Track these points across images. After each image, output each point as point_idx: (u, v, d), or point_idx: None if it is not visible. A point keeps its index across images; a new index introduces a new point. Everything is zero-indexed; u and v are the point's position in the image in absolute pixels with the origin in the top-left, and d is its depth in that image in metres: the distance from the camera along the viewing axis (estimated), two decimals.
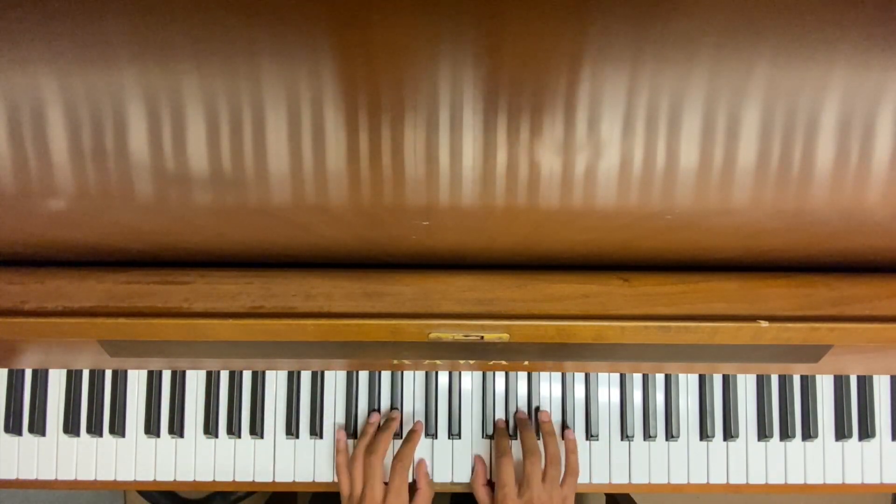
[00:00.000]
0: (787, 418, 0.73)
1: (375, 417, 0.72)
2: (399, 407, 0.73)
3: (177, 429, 0.72)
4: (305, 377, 0.74)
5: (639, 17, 0.24)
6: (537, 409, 0.73)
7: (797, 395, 0.73)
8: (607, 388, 0.74)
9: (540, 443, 0.68)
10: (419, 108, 0.30)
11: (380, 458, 0.66)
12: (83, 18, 0.24)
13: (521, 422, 0.71)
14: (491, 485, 0.70)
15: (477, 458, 0.72)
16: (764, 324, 0.50)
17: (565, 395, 0.73)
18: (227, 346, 0.62)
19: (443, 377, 0.74)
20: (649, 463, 0.73)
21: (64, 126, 0.32)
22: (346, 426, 0.73)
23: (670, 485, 0.73)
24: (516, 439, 0.71)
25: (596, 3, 0.23)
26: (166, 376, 0.73)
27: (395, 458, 0.67)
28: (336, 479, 0.71)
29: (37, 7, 0.24)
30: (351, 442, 0.72)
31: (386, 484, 0.65)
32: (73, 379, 0.73)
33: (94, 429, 0.73)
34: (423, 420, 0.73)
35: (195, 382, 0.74)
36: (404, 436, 0.70)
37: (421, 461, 0.72)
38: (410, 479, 0.70)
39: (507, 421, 0.73)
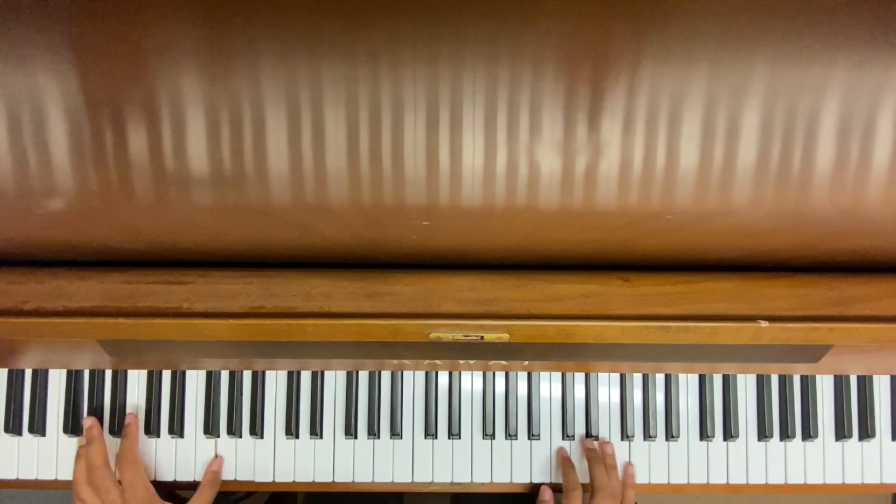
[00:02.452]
0: (787, 418, 0.73)
1: (83, 441, 0.69)
2: (399, 407, 0.73)
3: (177, 429, 0.72)
4: (305, 377, 0.73)
5: (639, 16, 0.24)
6: (596, 437, 0.73)
7: (797, 395, 0.73)
8: (607, 388, 0.74)
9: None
10: (419, 108, 0.30)
11: (101, 467, 0.65)
12: (83, 18, 0.24)
13: (591, 455, 0.70)
14: (517, 499, 0.69)
15: (545, 489, 0.71)
16: (764, 324, 0.50)
17: (565, 395, 0.73)
18: (227, 346, 0.62)
19: (443, 377, 0.74)
20: (649, 463, 0.73)
21: (64, 126, 0.32)
22: (347, 426, 0.73)
23: (670, 485, 0.73)
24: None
25: (596, 4, 0.23)
26: (166, 376, 0.73)
27: (117, 458, 0.67)
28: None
29: (37, 7, 0.24)
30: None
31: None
32: (73, 379, 0.73)
33: None
34: (258, 424, 0.72)
35: (195, 382, 0.73)
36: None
37: (218, 458, 0.71)
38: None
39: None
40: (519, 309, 0.51)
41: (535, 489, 0.72)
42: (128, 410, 0.73)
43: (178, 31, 0.25)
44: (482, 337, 0.52)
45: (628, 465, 0.71)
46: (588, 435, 0.73)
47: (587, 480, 0.68)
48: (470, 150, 0.33)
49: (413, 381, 0.74)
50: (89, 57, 0.26)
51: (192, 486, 0.72)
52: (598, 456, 0.70)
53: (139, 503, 0.64)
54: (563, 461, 0.71)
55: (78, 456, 0.67)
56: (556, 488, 0.71)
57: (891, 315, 0.51)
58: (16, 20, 0.24)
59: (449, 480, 0.73)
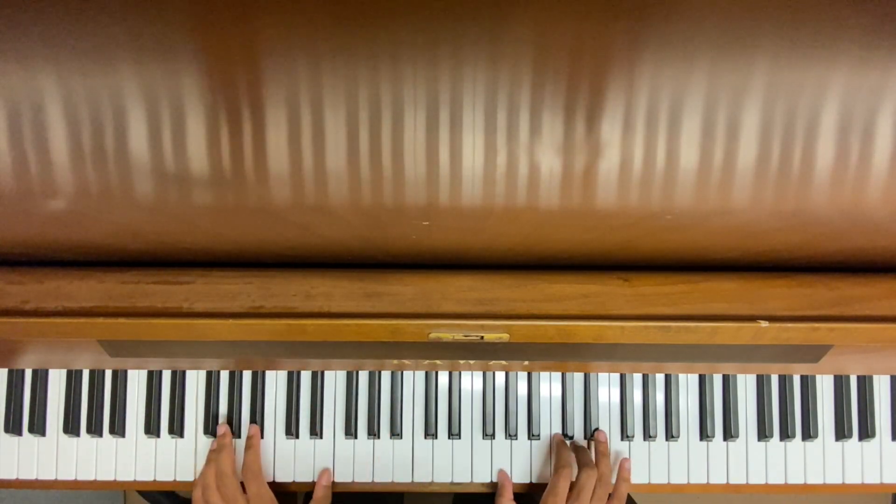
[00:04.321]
0: (787, 418, 0.73)
1: (214, 444, 0.70)
2: (399, 407, 0.73)
3: (177, 429, 0.72)
4: (305, 377, 0.73)
5: (639, 16, 0.24)
6: (596, 429, 0.73)
7: (797, 395, 0.73)
8: (607, 388, 0.74)
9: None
10: (419, 108, 0.30)
11: (230, 476, 0.66)
12: (83, 18, 0.24)
13: (578, 446, 0.71)
14: (517, 499, 0.70)
15: (502, 473, 0.72)
16: (764, 324, 0.50)
17: (565, 395, 0.73)
18: (227, 346, 0.62)
19: (443, 377, 0.74)
20: (649, 463, 0.73)
21: (64, 126, 0.32)
22: (347, 426, 0.73)
23: (670, 485, 0.73)
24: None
25: (596, 4, 0.23)
26: (166, 376, 0.73)
27: (242, 470, 0.67)
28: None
29: (37, 7, 0.24)
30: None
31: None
32: (73, 379, 0.73)
33: (94, 429, 0.72)
34: (258, 424, 0.72)
35: (195, 382, 0.74)
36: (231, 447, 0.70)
37: (325, 470, 0.72)
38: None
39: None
40: (519, 309, 0.51)
41: (534, 489, 0.72)
42: (128, 410, 0.73)
43: (178, 31, 0.25)
44: (482, 337, 0.52)
45: (625, 459, 0.71)
46: (588, 436, 0.73)
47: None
48: (470, 149, 0.33)
49: (413, 381, 0.74)
50: (89, 56, 0.26)
51: (191, 487, 0.72)
52: (583, 447, 0.71)
53: None
54: (559, 443, 0.72)
55: (208, 461, 0.69)
56: None
57: (891, 315, 0.51)
58: (18, 20, 0.24)
59: (449, 480, 0.73)
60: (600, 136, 0.32)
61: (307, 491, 0.77)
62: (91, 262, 0.53)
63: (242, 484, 0.67)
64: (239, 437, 0.73)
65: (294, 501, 0.90)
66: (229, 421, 0.73)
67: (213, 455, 0.69)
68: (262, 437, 0.73)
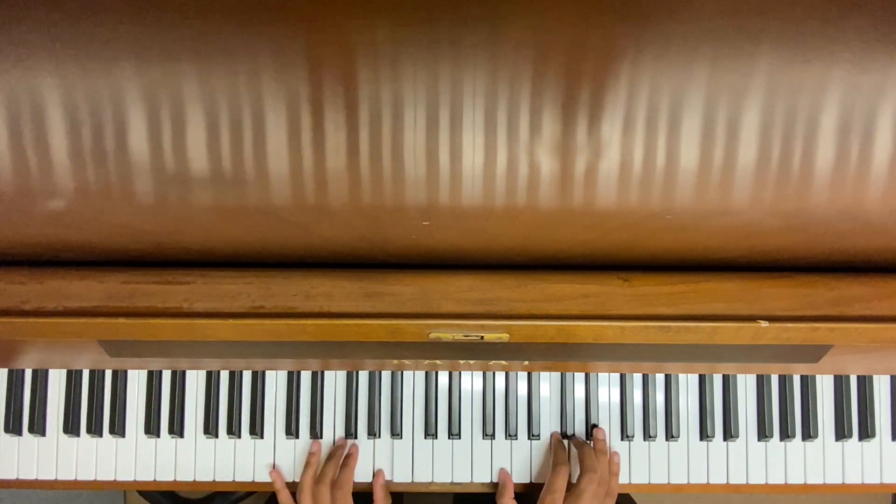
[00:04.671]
0: (787, 418, 0.73)
1: (317, 446, 0.72)
2: (399, 407, 0.73)
3: (177, 429, 0.72)
4: (305, 377, 0.73)
5: (639, 16, 0.24)
6: (594, 426, 0.73)
7: (797, 395, 0.73)
8: (607, 388, 0.74)
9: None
10: (419, 108, 0.30)
11: (327, 487, 0.67)
12: (84, 18, 0.24)
13: (578, 443, 0.71)
14: (517, 499, 0.70)
15: (503, 472, 0.72)
16: (764, 324, 0.50)
17: (565, 395, 0.73)
18: (227, 346, 0.62)
19: (443, 377, 0.74)
20: (649, 463, 0.73)
21: (64, 126, 0.32)
22: (347, 426, 0.73)
23: (670, 485, 0.73)
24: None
25: (596, 4, 0.23)
26: (166, 376, 0.73)
27: (335, 485, 0.67)
28: None
29: (37, 7, 0.24)
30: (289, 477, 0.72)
31: None
32: (73, 379, 0.73)
33: (94, 429, 0.72)
34: (260, 425, 0.73)
35: (195, 382, 0.74)
36: (341, 460, 0.71)
37: (379, 472, 0.72)
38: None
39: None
40: (519, 309, 0.51)
41: (534, 489, 0.72)
42: (128, 410, 0.73)
43: (178, 32, 0.25)
44: (482, 337, 0.52)
45: (614, 453, 0.71)
46: (588, 436, 0.73)
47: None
48: (470, 150, 0.33)
49: (413, 381, 0.74)
50: (89, 56, 0.26)
51: (193, 487, 0.72)
52: (586, 444, 0.71)
53: None
54: (556, 441, 0.72)
55: (308, 464, 0.70)
56: None
57: (891, 315, 0.51)
58: (18, 20, 0.24)
59: (449, 480, 0.73)
60: (600, 136, 0.32)
61: None
62: (91, 262, 0.53)
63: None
64: (240, 437, 0.72)
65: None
66: (229, 420, 0.73)
67: (313, 459, 0.70)
68: (262, 438, 0.73)
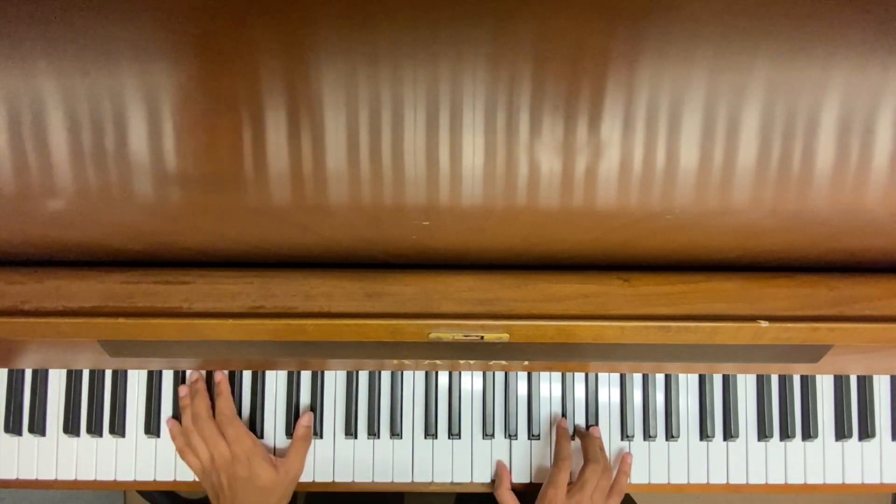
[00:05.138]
0: (787, 418, 0.73)
1: (184, 391, 0.71)
2: (399, 407, 0.73)
3: None
4: (305, 377, 0.73)
5: (639, 16, 0.24)
6: (589, 426, 0.73)
7: (797, 395, 0.73)
8: (607, 388, 0.74)
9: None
10: (419, 108, 0.30)
11: (206, 419, 0.67)
12: (84, 18, 0.24)
13: (581, 433, 0.71)
14: (515, 490, 0.70)
15: (500, 464, 0.72)
16: (764, 324, 0.50)
17: (565, 395, 0.73)
18: (227, 346, 0.62)
19: (443, 377, 0.74)
20: (649, 463, 0.73)
21: (64, 126, 0.32)
22: (347, 426, 0.73)
23: (670, 485, 0.73)
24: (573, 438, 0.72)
25: (596, 4, 0.23)
26: (166, 376, 0.73)
27: (216, 418, 0.68)
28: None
29: (37, 7, 0.24)
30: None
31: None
32: (73, 379, 0.73)
33: (94, 429, 0.72)
34: (258, 425, 0.73)
35: None
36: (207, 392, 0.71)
37: (308, 413, 0.72)
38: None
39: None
40: (519, 309, 0.51)
41: (534, 488, 0.72)
42: (128, 410, 0.73)
43: (178, 31, 0.25)
44: (482, 337, 0.52)
45: (627, 454, 0.71)
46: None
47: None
48: (470, 149, 0.33)
49: (413, 381, 0.74)
50: (89, 56, 0.26)
51: (193, 487, 0.72)
52: (589, 435, 0.71)
53: (247, 453, 0.66)
54: (561, 431, 0.71)
55: (184, 407, 0.70)
56: None
57: (891, 315, 0.51)
58: (18, 20, 0.24)
59: (449, 480, 0.73)
60: (600, 136, 0.32)
61: (306, 491, 0.77)
62: (91, 262, 0.53)
63: None
64: None
65: (294, 501, 0.90)
66: None
67: (186, 401, 0.70)
68: (261, 437, 0.73)
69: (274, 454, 0.72)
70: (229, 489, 0.65)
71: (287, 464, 0.68)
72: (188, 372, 0.73)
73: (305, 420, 0.71)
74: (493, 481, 0.72)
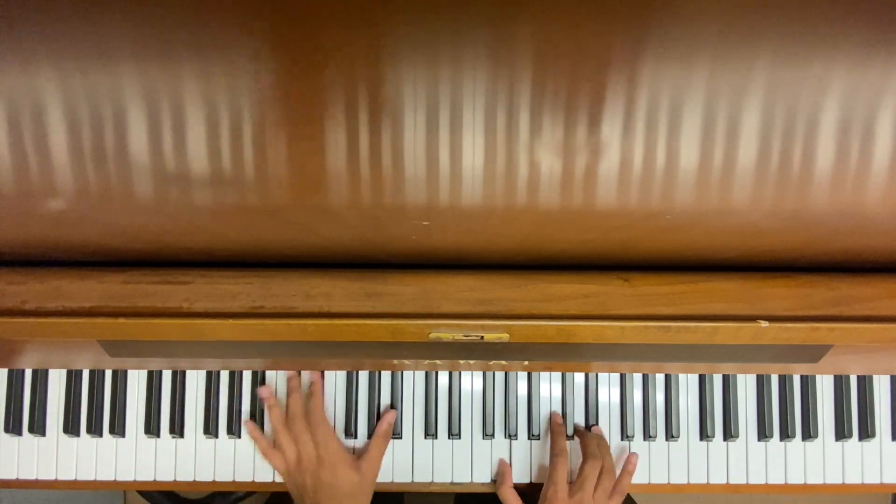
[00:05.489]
0: (787, 418, 0.73)
1: (266, 391, 0.70)
2: (399, 407, 0.73)
3: (177, 429, 0.72)
4: (306, 377, 0.73)
5: (639, 16, 0.24)
6: (591, 426, 0.73)
7: (797, 395, 0.73)
8: (607, 388, 0.74)
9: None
10: (419, 108, 0.30)
11: (300, 418, 0.66)
12: (84, 18, 0.24)
13: (581, 430, 0.71)
14: (517, 488, 0.70)
15: (502, 462, 0.72)
16: (764, 324, 0.50)
17: (565, 395, 0.73)
18: (227, 346, 0.62)
19: (443, 377, 0.74)
20: (649, 463, 0.73)
21: (64, 126, 0.32)
22: (347, 426, 0.73)
23: (670, 485, 0.73)
24: (571, 439, 0.72)
25: (596, 4, 0.23)
26: (166, 376, 0.73)
27: (307, 416, 0.67)
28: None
29: (37, 7, 0.24)
30: (268, 431, 0.71)
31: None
32: (73, 379, 0.73)
33: (94, 429, 0.72)
34: (255, 422, 0.72)
35: (195, 382, 0.74)
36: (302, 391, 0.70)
37: (391, 411, 0.72)
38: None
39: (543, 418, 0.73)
40: (519, 309, 0.51)
41: (534, 488, 0.72)
42: (128, 410, 0.73)
43: (178, 31, 0.25)
44: (482, 337, 0.52)
45: (632, 454, 0.71)
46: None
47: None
48: (470, 149, 0.33)
49: (413, 381, 0.74)
50: (89, 55, 0.26)
51: (193, 487, 0.72)
52: (587, 432, 0.71)
53: (334, 457, 0.65)
54: (556, 426, 0.71)
55: (270, 406, 0.69)
56: None
57: (891, 315, 0.51)
58: (18, 20, 0.24)
59: (449, 480, 0.73)
60: (600, 136, 0.32)
61: None
62: (91, 262, 0.53)
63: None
64: (240, 437, 0.72)
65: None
66: (229, 420, 0.73)
67: (273, 400, 0.69)
68: (261, 431, 0.73)
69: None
70: (314, 492, 0.64)
71: (368, 465, 0.67)
72: (244, 423, 0.72)
73: (389, 417, 0.71)
74: (494, 481, 0.72)
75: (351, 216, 0.42)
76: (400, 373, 0.73)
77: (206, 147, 0.34)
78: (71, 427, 0.73)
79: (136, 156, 0.34)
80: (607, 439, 0.72)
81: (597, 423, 0.73)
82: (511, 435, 0.73)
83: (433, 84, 0.28)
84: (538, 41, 0.25)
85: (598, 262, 0.53)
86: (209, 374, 0.73)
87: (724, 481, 0.73)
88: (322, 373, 0.72)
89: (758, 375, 0.73)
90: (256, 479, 0.73)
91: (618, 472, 0.69)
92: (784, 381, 0.73)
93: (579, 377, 0.74)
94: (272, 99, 0.29)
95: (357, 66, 0.27)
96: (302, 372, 0.72)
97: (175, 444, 0.73)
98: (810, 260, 0.52)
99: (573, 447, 0.71)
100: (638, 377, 0.73)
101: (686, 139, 0.32)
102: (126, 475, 0.73)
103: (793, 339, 0.51)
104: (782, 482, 0.73)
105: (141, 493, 1.29)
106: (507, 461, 0.72)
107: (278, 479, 0.72)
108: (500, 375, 0.73)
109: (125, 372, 0.73)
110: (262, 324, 0.50)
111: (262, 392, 0.70)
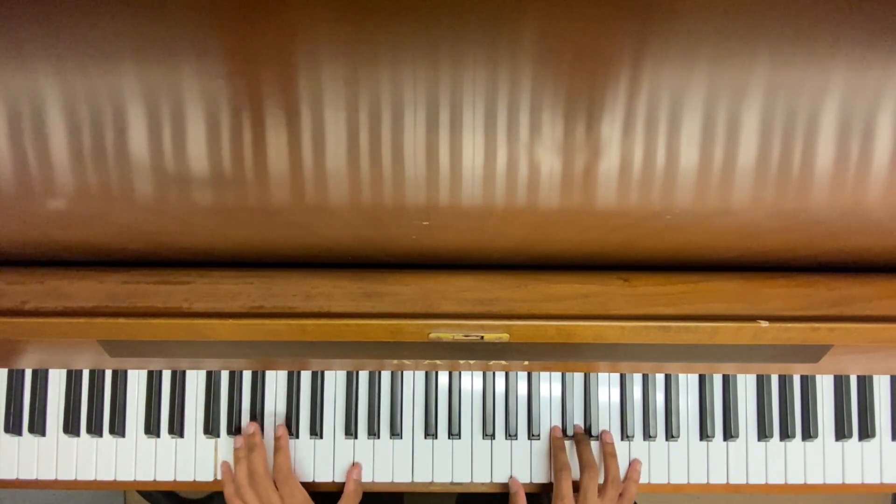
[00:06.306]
0: (787, 418, 0.73)
1: (240, 442, 0.70)
2: (399, 407, 0.73)
3: (177, 429, 0.72)
4: (305, 377, 0.73)
5: (639, 16, 0.24)
6: (602, 431, 0.73)
7: (797, 395, 0.73)
8: (607, 388, 0.74)
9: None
10: (419, 108, 0.30)
11: (263, 475, 0.67)
12: (84, 18, 0.24)
13: (580, 437, 0.71)
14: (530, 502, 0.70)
15: (514, 481, 0.72)
16: (764, 324, 0.50)
17: (565, 395, 0.73)
18: (227, 346, 0.62)
19: (443, 377, 0.74)
20: (649, 463, 0.73)
21: (64, 126, 0.32)
22: (347, 426, 0.73)
23: (670, 485, 0.73)
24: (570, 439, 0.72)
25: (597, 5, 0.23)
26: (166, 376, 0.73)
27: (273, 472, 0.67)
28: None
29: (37, 7, 0.24)
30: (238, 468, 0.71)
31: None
32: (73, 379, 0.73)
33: (94, 429, 0.72)
34: (285, 424, 0.72)
35: (195, 382, 0.73)
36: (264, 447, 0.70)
37: (356, 465, 0.72)
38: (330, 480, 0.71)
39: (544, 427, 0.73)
40: (519, 309, 0.51)
41: (534, 489, 0.72)
42: (128, 410, 0.73)
43: (178, 32, 0.25)
44: (482, 337, 0.52)
45: (636, 461, 0.71)
46: (588, 436, 0.73)
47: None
48: (470, 149, 0.33)
49: (413, 381, 0.74)
50: (90, 56, 0.26)
51: (193, 487, 0.72)
52: (585, 438, 0.71)
53: None
54: (556, 441, 0.71)
55: (238, 459, 0.69)
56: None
57: (891, 315, 0.51)
58: (18, 20, 0.24)
59: (449, 480, 0.73)
60: (600, 136, 0.32)
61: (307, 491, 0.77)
62: (91, 262, 0.53)
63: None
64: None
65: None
66: (229, 420, 0.73)
67: (242, 454, 0.69)
68: (262, 437, 0.73)
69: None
70: None
71: None
72: (244, 423, 0.72)
73: (355, 474, 0.71)
74: (493, 483, 0.72)
75: (351, 216, 0.42)
76: (400, 373, 0.73)
77: (205, 147, 0.34)
78: (71, 427, 0.73)
79: (135, 155, 0.34)
80: (611, 434, 0.72)
81: (597, 424, 0.73)
82: (511, 435, 0.73)
83: (433, 84, 0.28)
84: (538, 41, 0.25)
85: (597, 262, 0.53)
86: (209, 374, 0.73)
87: (724, 481, 0.73)
88: (287, 426, 0.72)
89: (758, 375, 0.73)
90: None
91: (622, 474, 0.69)
92: (784, 381, 0.73)
93: (579, 377, 0.73)
94: (271, 99, 0.29)
95: (357, 65, 0.27)
96: (264, 426, 0.72)
97: (175, 444, 0.73)
98: (810, 260, 0.52)
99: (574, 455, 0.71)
100: (638, 377, 0.73)
101: (686, 139, 0.32)
102: (126, 475, 0.73)
103: (793, 339, 0.51)
104: (782, 482, 0.73)
105: (141, 493, 1.29)
106: (507, 465, 0.72)
107: None
108: (500, 375, 0.73)
109: (125, 372, 0.73)
110: (262, 324, 0.50)
111: (236, 442, 0.70)
